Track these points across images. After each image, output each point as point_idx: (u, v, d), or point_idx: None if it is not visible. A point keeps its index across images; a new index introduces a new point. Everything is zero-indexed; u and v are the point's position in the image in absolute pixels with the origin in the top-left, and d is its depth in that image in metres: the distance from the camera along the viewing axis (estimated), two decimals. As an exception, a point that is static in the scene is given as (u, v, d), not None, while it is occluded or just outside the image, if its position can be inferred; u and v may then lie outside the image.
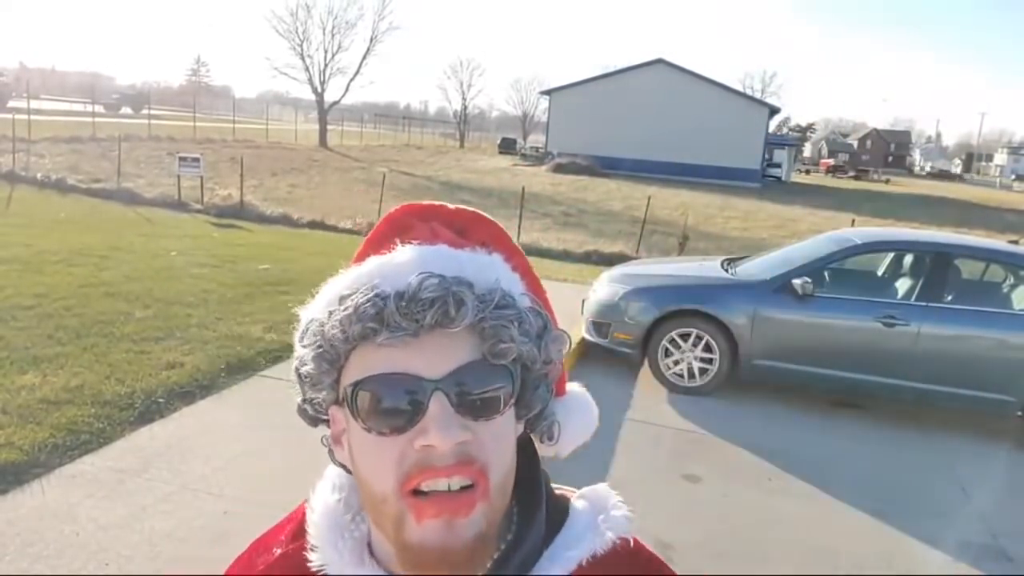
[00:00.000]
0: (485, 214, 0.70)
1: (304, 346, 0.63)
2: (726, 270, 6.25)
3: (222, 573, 0.76)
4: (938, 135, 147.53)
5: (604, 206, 20.24)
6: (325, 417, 0.67)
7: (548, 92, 42.40)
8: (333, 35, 39.01)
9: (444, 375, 0.58)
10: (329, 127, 38.80)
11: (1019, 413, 5.37)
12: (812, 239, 6.91)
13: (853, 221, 13.27)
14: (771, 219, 20.19)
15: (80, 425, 3.99)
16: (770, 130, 43.21)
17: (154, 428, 4.17)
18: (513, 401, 0.62)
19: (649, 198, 15.11)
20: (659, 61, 40.03)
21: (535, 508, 0.67)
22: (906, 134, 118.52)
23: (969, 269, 6.13)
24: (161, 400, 4.48)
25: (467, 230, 0.68)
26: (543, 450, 0.71)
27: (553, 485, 0.72)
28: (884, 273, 6.43)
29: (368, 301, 0.58)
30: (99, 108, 33.67)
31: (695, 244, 12.68)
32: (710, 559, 3.48)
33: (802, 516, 4.02)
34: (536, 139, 57.45)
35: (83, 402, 4.26)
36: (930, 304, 5.47)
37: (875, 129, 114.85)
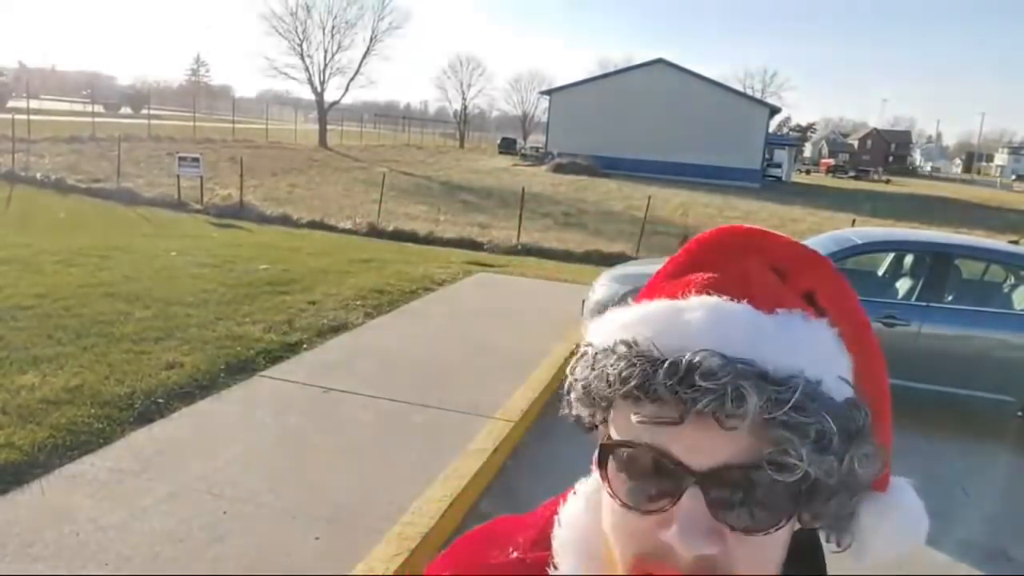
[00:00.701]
0: (819, 253, 0.58)
1: (574, 378, 0.55)
2: (726, 270, 6.24)
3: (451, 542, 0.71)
4: (938, 135, 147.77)
5: (604, 206, 20.24)
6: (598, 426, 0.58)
7: (548, 92, 42.44)
8: (333, 35, 39.09)
9: (708, 469, 0.48)
10: (329, 127, 38.82)
11: (1019, 413, 5.36)
12: (812, 239, 6.90)
13: (853, 221, 13.27)
14: (771, 219, 20.19)
15: (80, 425, 3.99)
16: (770, 130, 43.24)
17: (154, 428, 4.16)
18: (787, 523, 0.51)
19: (649, 198, 15.11)
20: (659, 61, 40.06)
21: None
22: (906, 134, 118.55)
23: (969, 269, 6.13)
24: (161, 400, 4.48)
25: (791, 272, 0.56)
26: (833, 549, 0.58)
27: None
28: (884, 273, 6.42)
29: (635, 366, 0.49)
30: (99, 108, 33.67)
31: (695, 244, 12.66)
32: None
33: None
34: (536, 139, 57.47)
35: (83, 402, 4.26)
36: (930, 304, 5.47)
37: (875, 129, 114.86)
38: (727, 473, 0.48)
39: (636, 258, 10.64)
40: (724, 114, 37.48)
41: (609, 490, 0.52)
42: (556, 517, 0.62)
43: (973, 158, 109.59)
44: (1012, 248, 6.14)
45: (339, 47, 39.23)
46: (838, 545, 0.57)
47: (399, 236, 12.72)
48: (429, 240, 12.70)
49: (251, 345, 5.59)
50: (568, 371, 0.57)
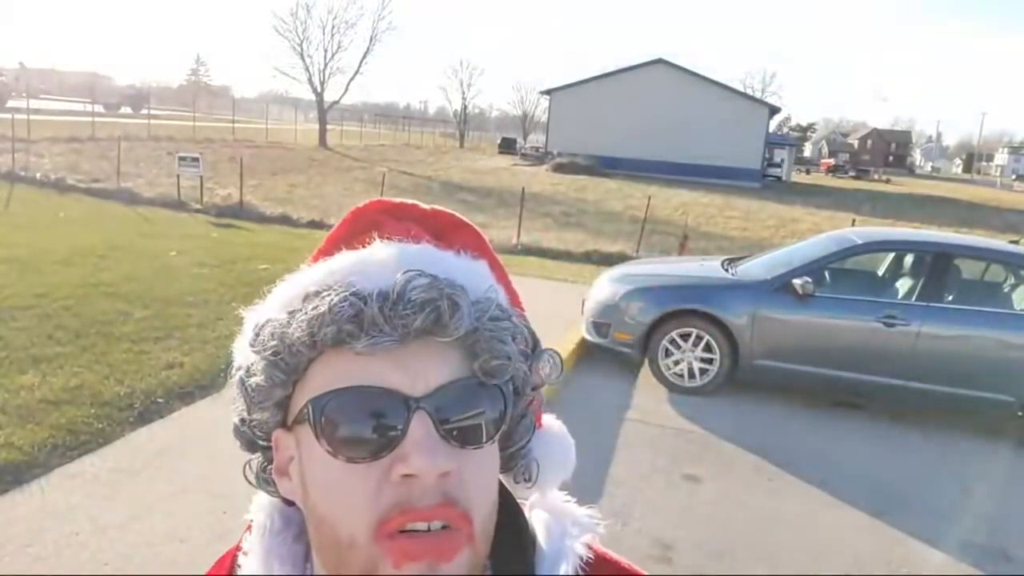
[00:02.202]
0: (463, 217, 0.62)
1: (254, 351, 0.54)
2: (726, 270, 6.25)
3: None
4: (938, 135, 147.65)
5: (604, 206, 20.23)
6: (265, 444, 0.58)
7: (548, 92, 42.38)
8: (333, 35, 38.98)
9: (429, 392, 0.50)
10: (329, 127, 38.77)
11: (1019, 413, 5.36)
12: (812, 239, 6.91)
13: (853, 221, 13.27)
14: (771, 219, 20.18)
15: (80, 425, 3.99)
16: (770, 130, 43.22)
17: (154, 428, 4.16)
18: (502, 429, 0.54)
19: (649, 198, 15.11)
20: (659, 61, 40.02)
21: (518, 557, 0.57)
22: (906, 134, 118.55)
23: (969, 269, 6.13)
24: (161, 400, 4.48)
25: (445, 234, 0.59)
26: (517, 492, 0.61)
27: None
28: (884, 273, 6.42)
29: (345, 300, 0.49)
30: (99, 108, 33.66)
31: (695, 244, 12.67)
32: (710, 559, 3.47)
33: (802, 516, 4.02)
34: (536, 139, 57.46)
35: (82, 402, 4.25)
36: (930, 304, 5.47)
37: (875, 129, 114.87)
38: (447, 391, 0.50)
39: (636, 258, 10.64)
40: (724, 114, 37.43)
41: (331, 449, 0.50)
42: (240, 552, 0.60)
43: (973, 158, 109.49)
44: (1012, 248, 6.14)
45: (339, 47, 39.22)
46: (527, 480, 0.60)
47: (399, 236, 12.71)
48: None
49: (251, 345, 5.58)
50: (241, 349, 0.56)
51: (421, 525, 0.48)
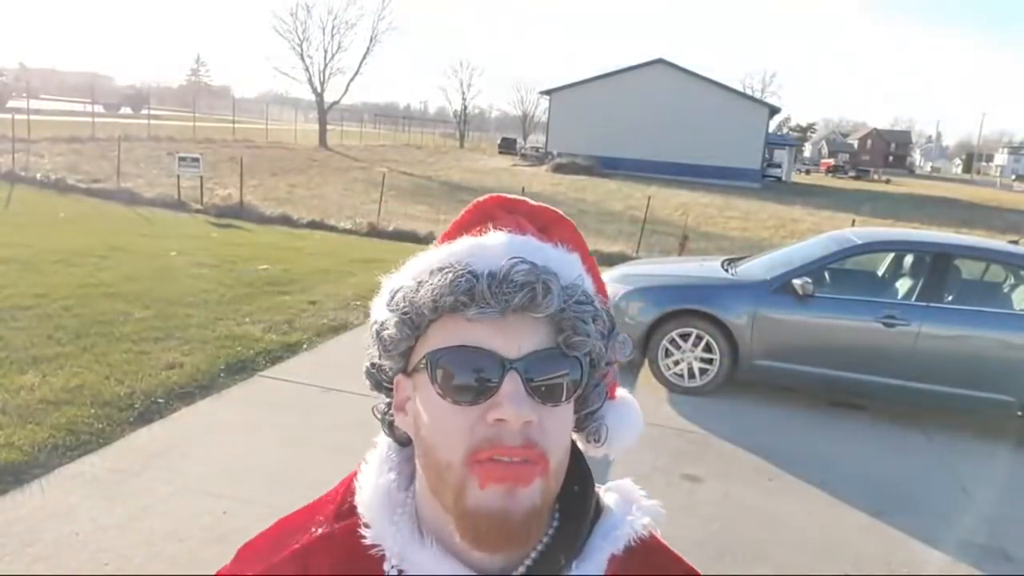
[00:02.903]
0: (564, 215, 0.74)
1: (389, 310, 0.65)
2: (726, 270, 6.25)
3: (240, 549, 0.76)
4: (938, 135, 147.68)
5: (604, 206, 20.24)
6: (388, 386, 0.70)
7: (548, 92, 42.38)
8: (333, 35, 38.96)
9: (521, 356, 0.61)
10: (329, 127, 38.76)
11: (1019, 413, 5.37)
12: (812, 239, 6.90)
13: (853, 221, 13.27)
14: (771, 219, 20.18)
15: (80, 425, 3.99)
16: (770, 130, 43.20)
17: (154, 428, 4.17)
18: (578, 392, 0.65)
19: (649, 198, 15.12)
20: (659, 61, 40.02)
21: (582, 508, 0.69)
22: (906, 134, 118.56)
23: (969, 269, 6.13)
24: (161, 400, 4.49)
25: (548, 227, 0.71)
26: (589, 451, 0.73)
27: None
28: (884, 273, 6.42)
29: (462, 276, 0.61)
30: (99, 108, 33.65)
31: (695, 244, 12.68)
32: (710, 559, 3.47)
33: (802, 516, 4.02)
34: (536, 139, 57.45)
35: (83, 402, 4.26)
36: (930, 304, 5.47)
37: (875, 129, 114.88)
38: (535, 356, 0.61)
39: (636, 258, 10.64)
40: (724, 114, 37.43)
41: (441, 392, 0.62)
42: (355, 485, 0.72)
43: (973, 158, 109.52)
44: (1012, 248, 6.14)
45: (339, 47, 39.21)
46: (596, 441, 0.72)
47: (399, 236, 12.71)
48: (430, 240, 12.05)
49: (251, 345, 5.59)
50: (378, 307, 0.68)
51: (505, 458, 0.60)
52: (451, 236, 0.70)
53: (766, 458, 4.68)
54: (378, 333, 0.67)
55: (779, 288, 5.66)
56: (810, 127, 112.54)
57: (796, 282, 5.57)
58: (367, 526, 0.68)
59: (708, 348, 5.71)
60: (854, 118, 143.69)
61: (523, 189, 14.16)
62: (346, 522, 0.70)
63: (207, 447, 3.98)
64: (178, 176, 13.84)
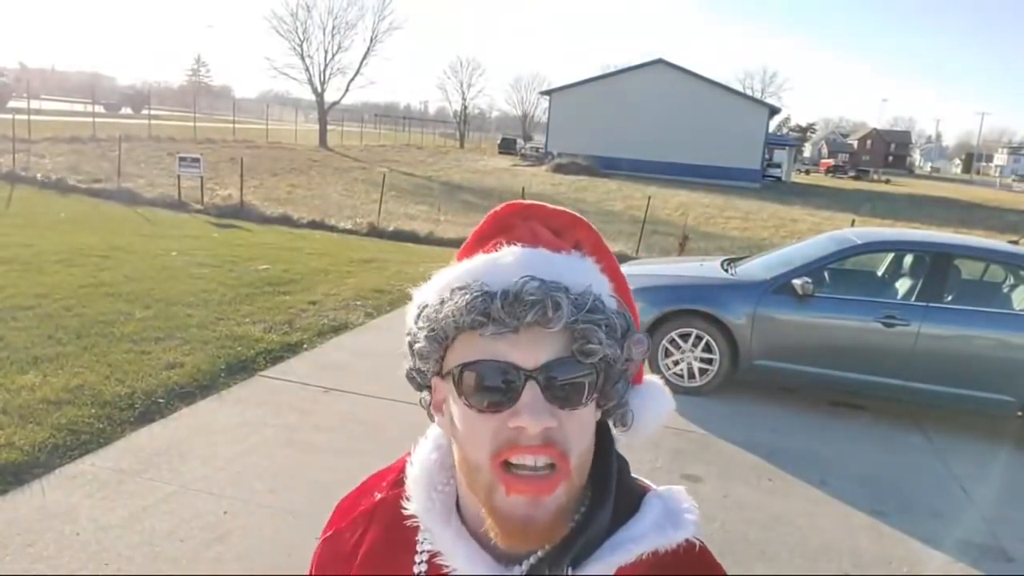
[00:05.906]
0: (580, 216, 0.79)
1: (418, 327, 0.71)
2: (726, 270, 6.25)
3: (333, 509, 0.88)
4: (938, 135, 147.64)
5: (604, 206, 20.24)
6: (428, 385, 0.76)
7: (548, 92, 42.39)
8: (333, 35, 38.99)
9: (537, 367, 0.66)
10: (329, 127, 38.76)
11: (1019, 413, 5.37)
12: (812, 239, 6.90)
13: (853, 221, 13.27)
14: (771, 219, 20.18)
15: (80, 425, 4.00)
16: (770, 130, 43.19)
17: (154, 428, 4.17)
18: (595, 396, 0.70)
19: (649, 198, 15.12)
20: (659, 61, 40.01)
21: (606, 492, 0.73)
22: (906, 134, 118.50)
23: (969, 269, 6.13)
24: (161, 400, 4.49)
25: (563, 231, 0.76)
26: (618, 433, 0.78)
27: (634, 475, 0.79)
28: (884, 273, 6.42)
29: (478, 297, 0.66)
30: (99, 108, 33.65)
31: (695, 244, 12.68)
32: (710, 559, 3.47)
33: (802, 516, 4.02)
34: (536, 139, 57.43)
35: (83, 402, 4.26)
36: (930, 304, 5.47)
37: (875, 129, 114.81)
38: (551, 367, 0.66)
39: (636, 258, 10.64)
40: (724, 114, 37.42)
41: (467, 402, 0.68)
42: (409, 459, 0.80)
43: (973, 158, 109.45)
44: (1012, 248, 6.14)
45: (339, 47, 39.21)
46: (623, 425, 0.76)
47: (399, 236, 12.72)
48: (430, 240, 12.69)
49: (251, 345, 5.59)
50: (410, 325, 0.73)
51: (529, 460, 0.65)
52: (470, 249, 0.75)
53: (766, 458, 4.68)
54: (411, 344, 0.73)
55: (779, 288, 5.66)
56: (810, 127, 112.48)
57: (796, 282, 5.57)
58: (408, 499, 0.76)
59: (708, 348, 5.71)
60: (854, 118, 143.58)
61: (523, 190, 14.16)
62: (397, 491, 0.79)
63: (207, 447, 3.98)
64: (179, 176, 13.86)
